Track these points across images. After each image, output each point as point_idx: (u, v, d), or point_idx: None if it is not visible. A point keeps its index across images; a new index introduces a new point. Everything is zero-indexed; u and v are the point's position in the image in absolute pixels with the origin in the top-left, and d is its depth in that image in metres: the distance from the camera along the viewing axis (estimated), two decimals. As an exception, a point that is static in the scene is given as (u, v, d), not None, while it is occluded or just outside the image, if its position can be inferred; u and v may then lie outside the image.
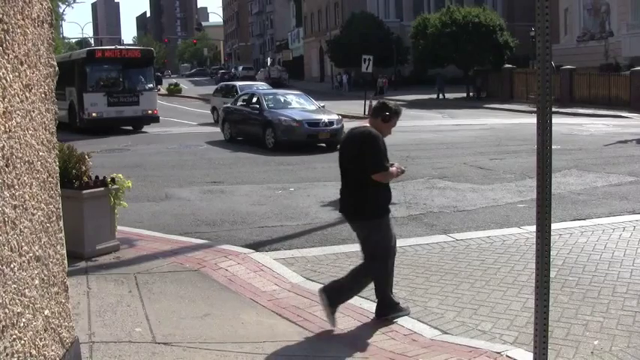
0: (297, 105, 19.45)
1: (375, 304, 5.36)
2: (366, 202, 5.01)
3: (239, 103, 20.64)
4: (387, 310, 5.28)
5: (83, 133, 22.45)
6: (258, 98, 19.42)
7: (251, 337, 4.90)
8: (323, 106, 20.46)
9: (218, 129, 21.52)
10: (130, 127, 24.61)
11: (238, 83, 30.64)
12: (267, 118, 18.15)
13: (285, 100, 19.82)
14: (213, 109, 27.83)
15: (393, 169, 5.07)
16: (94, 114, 23.19)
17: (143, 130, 24.75)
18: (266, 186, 11.95)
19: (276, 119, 17.85)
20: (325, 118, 18.22)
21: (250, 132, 19.15)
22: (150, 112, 24.57)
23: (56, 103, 2.48)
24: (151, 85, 25.22)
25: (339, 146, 5.57)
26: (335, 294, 5.17)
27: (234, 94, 25.72)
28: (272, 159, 15.92)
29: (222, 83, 33.65)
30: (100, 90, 23.70)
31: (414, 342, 4.91)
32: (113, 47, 26.41)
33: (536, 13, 3.63)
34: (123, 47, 27.35)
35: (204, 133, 23.35)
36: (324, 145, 17.69)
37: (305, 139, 17.59)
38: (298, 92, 21.73)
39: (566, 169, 13.09)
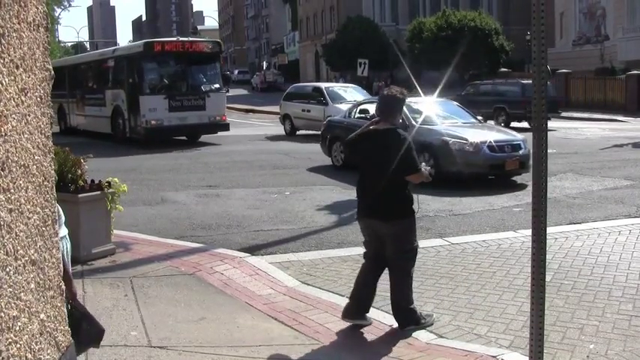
0: (451, 119, 13.33)
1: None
2: (404, 201, 5.19)
3: (356, 115, 14.80)
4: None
5: (136, 145, 19.28)
6: None
7: (247, 341, 4.89)
8: (482, 120, 15.09)
9: (294, 145, 18.22)
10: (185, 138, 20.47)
11: (323, 85, 24.51)
12: (417, 138, 11.15)
13: (432, 111, 13.25)
14: (285, 118, 23.30)
15: (424, 169, 5.26)
16: (153, 121, 19.05)
17: (202, 140, 20.88)
18: (261, 190, 11.94)
19: (437, 140, 11.81)
20: (507, 138, 12.36)
21: None
22: (218, 117, 20.33)
23: (51, 107, 2.48)
24: (219, 86, 20.74)
25: (353, 147, 5.44)
26: (359, 307, 5.23)
27: (321, 98, 21.62)
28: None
29: (295, 85, 27.46)
30: (159, 92, 19.50)
31: (409, 346, 4.91)
32: (174, 39, 21.37)
33: (533, 17, 3.65)
34: (186, 39, 21.99)
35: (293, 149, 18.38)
36: (494, 176, 12.14)
37: (487, 171, 11.95)
38: (445, 100, 15.02)
39: (561, 173, 13.11)
